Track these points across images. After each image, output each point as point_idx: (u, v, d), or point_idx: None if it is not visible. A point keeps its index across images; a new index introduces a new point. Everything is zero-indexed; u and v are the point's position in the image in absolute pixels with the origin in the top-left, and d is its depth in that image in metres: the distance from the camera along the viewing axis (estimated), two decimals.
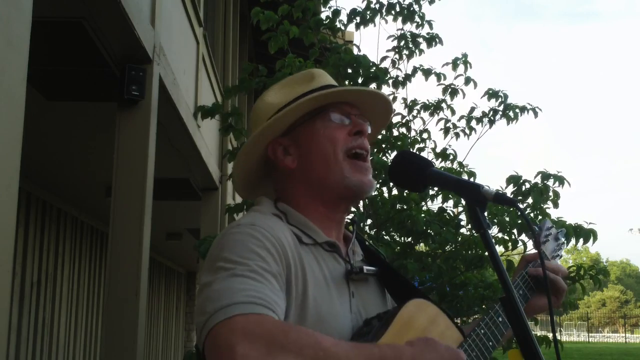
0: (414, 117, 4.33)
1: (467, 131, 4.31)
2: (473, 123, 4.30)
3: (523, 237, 3.68)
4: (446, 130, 4.35)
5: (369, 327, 1.17)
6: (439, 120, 4.37)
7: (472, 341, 1.29)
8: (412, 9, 4.18)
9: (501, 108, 4.19)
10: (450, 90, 4.29)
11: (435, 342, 1.07)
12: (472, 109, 4.31)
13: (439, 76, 4.27)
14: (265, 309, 0.99)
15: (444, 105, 4.32)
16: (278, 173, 1.32)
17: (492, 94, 4.20)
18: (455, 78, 4.30)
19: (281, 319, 1.03)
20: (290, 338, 0.94)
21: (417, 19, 4.20)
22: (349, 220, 1.39)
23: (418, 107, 4.33)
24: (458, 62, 4.27)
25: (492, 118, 4.23)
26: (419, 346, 1.05)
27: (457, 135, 4.34)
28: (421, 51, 4.22)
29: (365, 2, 4.19)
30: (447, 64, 4.30)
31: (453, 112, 4.36)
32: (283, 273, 1.10)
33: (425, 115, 4.36)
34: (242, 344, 0.92)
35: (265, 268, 1.06)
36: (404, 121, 4.29)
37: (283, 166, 1.28)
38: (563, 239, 1.64)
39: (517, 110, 4.14)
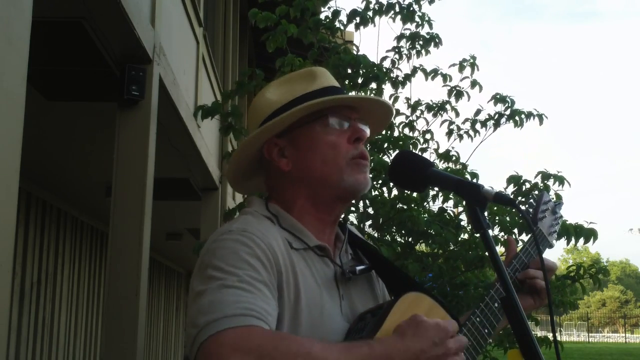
0: (418, 117, 4.29)
1: (472, 133, 4.25)
2: (477, 126, 4.23)
3: (524, 237, 3.67)
4: (450, 132, 4.30)
5: (363, 322, 1.17)
6: (442, 122, 4.31)
7: (468, 330, 1.29)
8: (411, 8, 4.16)
9: (507, 112, 4.12)
10: (455, 92, 4.23)
11: (425, 324, 1.06)
12: (478, 112, 4.23)
13: (445, 77, 4.21)
14: (255, 320, 1.01)
15: (447, 106, 4.26)
16: (271, 172, 1.31)
17: (499, 98, 4.12)
18: (461, 80, 4.24)
19: (272, 328, 1.04)
20: (280, 349, 0.96)
21: (417, 18, 4.17)
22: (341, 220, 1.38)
23: (422, 107, 4.29)
24: (465, 64, 4.21)
25: (497, 122, 4.18)
26: (409, 335, 1.05)
27: (460, 137, 4.28)
28: (427, 52, 4.17)
29: (364, 2, 4.18)
30: (453, 64, 4.24)
31: (457, 114, 4.30)
32: (274, 280, 1.11)
33: (428, 116, 4.31)
34: (233, 359, 0.94)
35: (255, 277, 1.07)
36: (407, 121, 4.26)
37: (277, 167, 1.28)
38: (560, 212, 1.61)
39: (523, 116, 4.09)
